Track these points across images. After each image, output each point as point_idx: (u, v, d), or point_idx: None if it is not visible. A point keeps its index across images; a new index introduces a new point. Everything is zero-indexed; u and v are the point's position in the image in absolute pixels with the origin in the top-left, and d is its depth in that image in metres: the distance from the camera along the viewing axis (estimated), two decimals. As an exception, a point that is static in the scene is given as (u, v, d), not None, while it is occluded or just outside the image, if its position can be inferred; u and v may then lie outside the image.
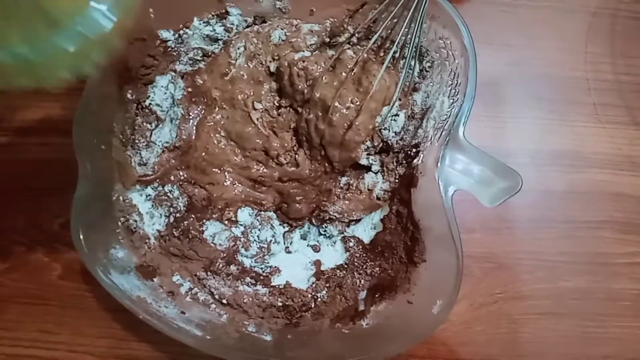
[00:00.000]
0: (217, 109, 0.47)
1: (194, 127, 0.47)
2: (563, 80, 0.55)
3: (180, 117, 0.47)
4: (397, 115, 0.46)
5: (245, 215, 0.48)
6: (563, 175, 0.53)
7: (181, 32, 0.45)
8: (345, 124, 0.44)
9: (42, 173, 0.49)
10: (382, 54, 0.46)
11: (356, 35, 0.45)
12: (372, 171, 0.47)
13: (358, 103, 0.44)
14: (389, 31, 0.44)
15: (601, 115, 0.54)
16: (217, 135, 0.47)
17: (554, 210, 0.52)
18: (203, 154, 0.47)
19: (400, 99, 0.45)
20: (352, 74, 0.44)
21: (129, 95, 0.44)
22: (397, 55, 0.45)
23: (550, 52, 0.55)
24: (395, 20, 0.43)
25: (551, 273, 0.50)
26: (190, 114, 0.47)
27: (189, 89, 0.47)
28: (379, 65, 0.44)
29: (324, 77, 0.44)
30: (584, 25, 0.56)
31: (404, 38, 0.43)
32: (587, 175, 0.53)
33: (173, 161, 0.46)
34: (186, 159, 0.46)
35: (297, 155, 0.47)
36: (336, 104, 0.43)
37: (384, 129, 0.46)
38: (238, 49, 0.46)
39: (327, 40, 0.46)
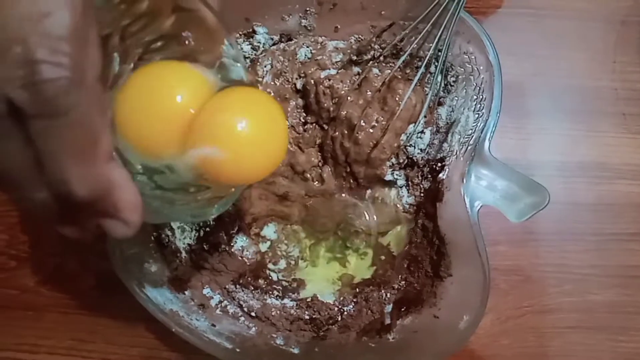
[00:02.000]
0: None
1: None
2: (590, 90, 0.54)
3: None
4: (422, 132, 0.46)
5: (271, 230, 0.49)
6: (591, 187, 0.52)
7: None
8: (371, 143, 0.44)
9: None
10: (407, 71, 0.46)
11: (383, 53, 0.46)
12: (397, 185, 0.48)
13: (384, 122, 0.44)
14: (415, 48, 0.45)
15: (631, 126, 0.53)
16: None
17: (581, 222, 0.51)
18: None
19: (425, 116, 0.46)
20: (378, 93, 0.44)
21: None
22: (423, 72, 0.45)
23: (577, 62, 0.55)
24: (420, 37, 0.43)
25: (579, 286, 0.50)
26: None
27: None
28: (404, 83, 0.44)
29: (349, 96, 0.45)
30: (612, 34, 0.55)
31: (432, 54, 0.43)
32: (616, 187, 0.52)
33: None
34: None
35: (322, 172, 0.47)
36: (362, 122, 0.44)
37: (410, 146, 0.46)
38: (265, 66, 0.47)
39: (354, 58, 0.47)
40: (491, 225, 0.49)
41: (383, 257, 0.47)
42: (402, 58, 0.43)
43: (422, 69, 0.42)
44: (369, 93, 0.44)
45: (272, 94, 0.47)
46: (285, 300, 0.45)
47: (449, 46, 0.42)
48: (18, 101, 0.18)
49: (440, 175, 0.43)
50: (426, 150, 0.46)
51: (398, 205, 0.48)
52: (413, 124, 0.45)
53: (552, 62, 0.54)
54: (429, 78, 0.45)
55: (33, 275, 0.49)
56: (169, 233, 0.44)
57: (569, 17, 0.55)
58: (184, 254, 0.44)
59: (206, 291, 0.44)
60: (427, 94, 0.44)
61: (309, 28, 0.47)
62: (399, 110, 0.43)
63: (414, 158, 0.46)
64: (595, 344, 0.48)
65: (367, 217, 0.48)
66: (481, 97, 0.41)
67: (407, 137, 0.45)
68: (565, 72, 0.54)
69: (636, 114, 0.53)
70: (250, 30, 0.46)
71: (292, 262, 0.47)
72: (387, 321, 0.43)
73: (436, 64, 0.43)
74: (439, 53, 0.42)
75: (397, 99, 0.44)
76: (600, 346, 0.48)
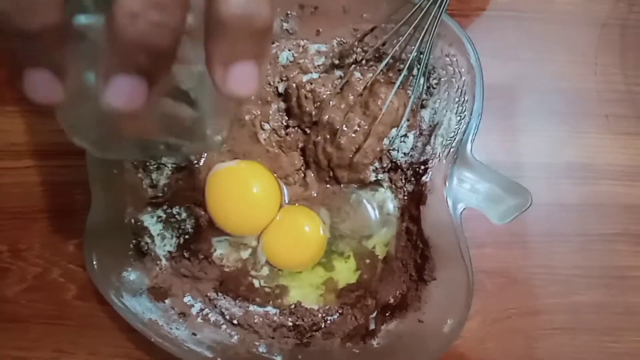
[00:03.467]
0: None
1: None
2: (574, 92, 0.54)
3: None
4: (405, 136, 0.46)
5: (252, 236, 0.48)
6: (576, 188, 0.52)
7: None
8: (353, 147, 0.44)
9: (58, 195, 0.50)
10: (390, 75, 0.46)
11: (365, 57, 0.46)
12: (381, 188, 0.47)
13: (366, 126, 0.44)
14: (398, 51, 0.45)
15: (613, 127, 0.53)
16: (222, 155, 0.47)
17: (567, 223, 0.51)
18: (208, 174, 0.47)
19: (408, 120, 0.45)
20: (360, 97, 0.44)
21: None
22: (405, 75, 0.45)
23: (560, 64, 0.55)
24: (402, 40, 0.43)
25: (566, 287, 0.50)
26: None
27: None
28: (386, 87, 0.44)
29: (331, 101, 0.45)
30: (593, 36, 0.55)
31: (414, 56, 0.43)
32: (601, 187, 0.52)
33: (181, 182, 0.47)
34: (192, 180, 0.47)
35: (305, 176, 0.47)
36: (344, 127, 0.44)
37: (393, 150, 0.46)
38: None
39: (336, 62, 0.47)
40: (477, 228, 0.49)
41: (368, 261, 0.47)
42: (385, 61, 0.43)
43: (404, 72, 0.42)
44: (351, 97, 0.44)
45: (253, 97, 0.47)
46: (268, 308, 0.45)
47: (431, 49, 0.42)
48: None
49: (424, 178, 0.43)
50: (409, 154, 0.46)
51: (382, 209, 0.47)
52: (396, 128, 0.45)
53: (536, 64, 0.54)
54: (411, 81, 0.45)
55: (13, 285, 0.48)
56: (149, 240, 0.43)
57: (551, 20, 0.55)
58: (164, 262, 0.44)
59: (187, 299, 0.43)
60: (409, 97, 0.44)
61: (290, 32, 0.47)
62: (382, 114, 0.43)
63: (398, 162, 0.46)
64: (583, 345, 0.49)
65: (352, 221, 0.48)
66: (463, 99, 0.41)
67: (390, 141, 0.45)
68: (549, 75, 0.54)
69: (618, 115, 0.54)
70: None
71: (275, 268, 0.47)
72: (372, 326, 0.43)
73: (418, 66, 0.43)
74: (421, 56, 0.42)
75: (379, 103, 0.44)
76: (587, 347, 0.48)
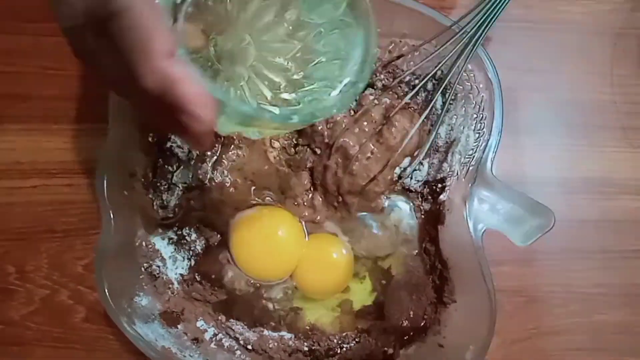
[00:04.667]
0: (233, 147, 0.47)
1: (210, 167, 0.46)
2: (590, 104, 0.53)
3: (196, 157, 0.47)
4: (421, 164, 0.45)
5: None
6: (595, 203, 0.51)
7: None
8: (365, 174, 0.43)
9: (65, 215, 0.49)
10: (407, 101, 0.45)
11: (389, 85, 0.45)
12: (397, 207, 0.46)
13: (379, 154, 0.43)
14: (419, 81, 0.44)
15: (632, 140, 0.52)
16: (232, 174, 0.46)
17: (586, 240, 0.50)
18: (218, 194, 0.46)
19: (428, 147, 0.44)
20: (374, 124, 0.43)
21: (150, 139, 0.44)
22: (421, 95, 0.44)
23: (576, 75, 0.54)
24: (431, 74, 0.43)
25: (586, 306, 0.48)
26: (206, 153, 0.46)
27: None
28: (401, 114, 0.43)
29: (345, 124, 0.44)
30: (609, 47, 0.54)
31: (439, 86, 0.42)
32: (621, 203, 0.51)
33: (192, 202, 0.46)
34: (202, 200, 0.46)
35: (313, 199, 0.46)
36: (357, 153, 0.43)
37: (407, 178, 0.45)
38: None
39: None
40: (494, 245, 0.47)
41: (384, 282, 0.46)
42: (408, 97, 0.42)
43: (428, 109, 0.41)
44: (366, 123, 0.43)
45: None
46: (283, 332, 0.44)
47: (459, 76, 0.41)
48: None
49: (441, 196, 0.42)
50: (424, 180, 0.45)
51: (398, 228, 0.46)
52: (409, 157, 0.44)
53: (552, 75, 0.53)
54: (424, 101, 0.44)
55: (20, 308, 0.47)
56: (160, 263, 0.43)
57: (566, 30, 0.54)
58: (176, 285, 0.43)
59: (200, 324, 0.42)
60: (428, 130, 0.43)
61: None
62: (402, 147, 0.42)
63: (411, 188, 0.45)
64: (605, 367, 0.47)
65: (366, 241, 0.46)
66: (481, 115, 0.40)
67: (402, 171, 0.44)
68: (565, 86, 0.53)
69: (637, 128, 0.53)
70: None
71: (289, 291, 0.45)
72: (390, 351, 0.42)
73: (441, 90, 0.42)
74: (446, 79, 0.41)
75: (393, 130, 0.43)
76: (610, 369, 0.47)
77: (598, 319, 0.48)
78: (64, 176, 0.49)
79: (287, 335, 0.44)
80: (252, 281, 0.45)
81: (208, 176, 0.46)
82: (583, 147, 0.52)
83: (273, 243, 0.45)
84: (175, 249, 0.44)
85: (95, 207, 0.40)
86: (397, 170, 0.44)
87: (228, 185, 0.46)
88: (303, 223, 0.47)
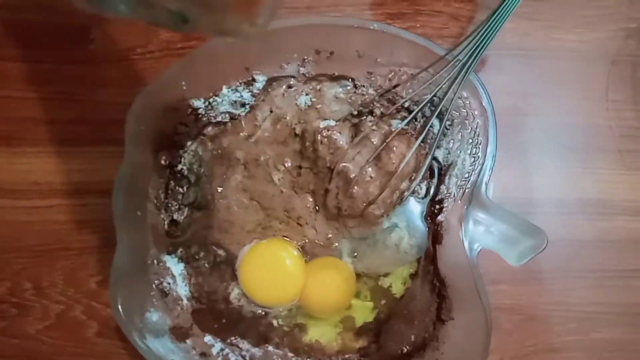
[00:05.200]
0: (240, 169, 0.49)
1: (218, 188, 0.48)
2: (586, 128, 0.54)
3: (204, 178, 0.48)
4: (419, 187, 0.47)
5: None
6: (591, 224, 0.52)
7: (211, 99, 0.47)
8: (365, 198, 0.45)
9: (80, 233, 0.51)
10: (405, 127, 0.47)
11: (386, 113, 0.47)
12: (397, 227, 0.48)
13: (377, 181, 0.45)
14: (416, 107, 0.46)
15: (628, 162, 0.54)
16: (238, 195, 0.48)
17: (583, 259, 0.51)
18: (225, 214, 0.48)
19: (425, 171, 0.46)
20: (373, 149, 0.45)
21: (163, 161, 0.46)
22: (419, 121, 0.46)
23: (571, 100, 0.55)
24: (427, 100, 0.45)
25: (584, 324, 0.49)
26: (214, 174, 0.48)
27: (214, 151, 0.49)
28: (399, 139, 0.45)
29: (347, 149, 0.46)
30: (603, 73, 0.56)
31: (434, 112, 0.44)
32: (617, 224, 0.52)
33: (199, 222, 0.48)
34: (210, 219, 0.48)
35: (315, 221, 0.48)
36: (357, 177, 0.45)
37: (406, 200, 0.47)
38: (264, 112, 0.48)
39: (354, 112, 0.48)
40: (492, 264, 0.48)
41: (384, 301, 0.47)
42: (403, 124, 0.44)
43: (424, 133, 0.43)
44: (365, 148, 0.45)
45: (270, 138, 0.48)
46: (286, 349, 0.45)
47: (452, 102, 0.43)
48: None
49: (439, 217, 0.44)
50: (424, 200, 0.47)
51: (399, 247, 0.48)
52: (407, 181, 0.46)
53: (547, 101, 0.55)
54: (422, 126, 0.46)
55: (35, 323, 0.49)
56: (171, 281, 0.44)
57: (561, 57, 0.56)
58: (185, 301, 0.45)
59: (207, 339, 0.44)
60: (425, 154, 0.45)
61: (307, 76, 0.48)
62: (399, 171, 0.44)
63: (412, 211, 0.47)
64: (602, 384, 0.48)
65: (368, 260, 0.48)
66: (477, 140, 0.42)
67: (401, 194, 0.46)
68: (560, 111, 0.55)
69: (632, 151, 0.54)
70: (250, 78, 0.47)
71: (294, 308, 0.47)
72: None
73: (434, 117, 0.44)
74: (442, 109, 0.44)
75: (391, 156, 0.45)
76: (607, 386, 0.48)
77: (595, 337, 0.49)
78: (80, 196, 0.51)
79: (290, 353, 0.45)
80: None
81: (216, 197, 0.48)
82: (579, 169, 0.53)
83: (277, 275, 0.47)
84: (185, 267, 0.46)
85: (109, 226, 0.41)
86: (396, 194, 0.46)
87: (233, 205, 0.48)
88: (306, 243, 0.48)
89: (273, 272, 0.46)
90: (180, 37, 0.54)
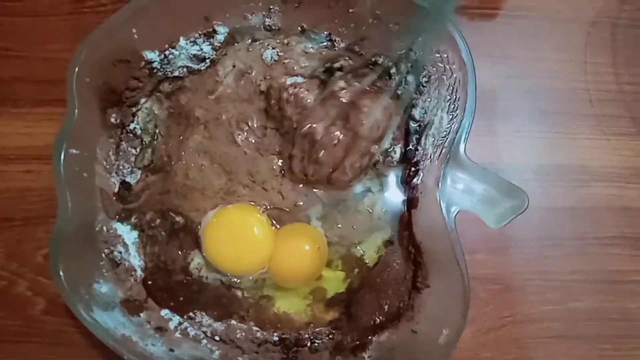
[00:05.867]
0: (199, 129, 0.45)
1: (175, 149, 0.45)
2: (565, 92, 0.53)
3: (160, 139, 0.45)
4: (392, 149, 0.44)
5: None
6: (569, 191, 0.50)
7: (167, 52, 0.43)
8: (332, 163, 0.42)
9: (24, 202, 0.47)
10: (377, 84, 0.44)
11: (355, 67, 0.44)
12: (370, 192, 0.45)
13: (346, 141, 0.42)
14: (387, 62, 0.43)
15: (605, 127, 0.52)
16: (198, 157, 0.45)
17: (561, 227, 0.50)
18: (184, 177, 0.44)
19: (394, 133, 0.43)
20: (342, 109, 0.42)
21: (113, 120, 0.42)
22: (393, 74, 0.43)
23: (551, 63, 0.53)
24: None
25: (561, 293, 0.48)
26: (171, 134, 0.45)
27: (171, 109, 0.45)
28: (370, 99, 0.42)
29: (313, 109, 0.42)
30: (583, 35, 0.54)
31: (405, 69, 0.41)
32: (595, 190, 0.51)
33: (155, 186, 0.44)
34: (167, 183, 0.44)
35: (281, 188, 0.45)
36: (323, 139, 0.41)
37: (378, 164, 0.44)
38: (226, 67, 0.44)
39: (321, 69, 0.45)
40: (468, 232, 0.46)
41: (357, 270, 0.44)
42: (369, 80, 0.41)
43: (393, 89, 0.40)
44: (334, 108, 0.42)
45: (233, 95, 0.45)
46: (252, 323, 0.42)
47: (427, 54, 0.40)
48: None
49: (415, 180, 0.41)
50: (397, 165, 0.44)
51: (372, 213, 0.45)
52: (378, 145, 0.43)
53: (526, 63, 0.53)
54: (400, 85, 0.43)
55: (-26, 301, 0.45)
56: (122, 249, 0.41)
57: (540, 18, 0.54)
58: (139, 272, 0.41)
59: (164, 312, 0.41)
60: (393, 115, 0.42)
61: (273, 27, 0.45)
62: (367, 132, 0.40)
63: (385, 173, 0.44)
64: (581, 354, 0.47)
65: (340, 228, 0.45)
66: (455, 97, 0.39)
67: (371, 157, 0.43)
68: (539, 74, 0.53)
69: (610, 115, 0.52)
70: (211, 29, 0.44)
71: (259, 279, 0.44)
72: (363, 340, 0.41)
73: (409, 69, 0.42)
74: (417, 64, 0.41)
75: (361, 116, 0.41)
76: (586, 356, 0.47)
77: (573, 306, 0.48)
78: (22, 162, 0.47)
79: (255, 327, 0.42)
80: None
81: (173, 159, 0.44)
82: (557, 134, 0.52)
83: (243, 241, 0.44)
84: (138, 235, 0.42)
85: (57, 196, 0.37)
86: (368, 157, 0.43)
87: (193, 168, 0.44)
88: (272, 209, 0.45)
89: (239, 238, 0.43)
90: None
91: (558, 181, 0.51)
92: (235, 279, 0.44)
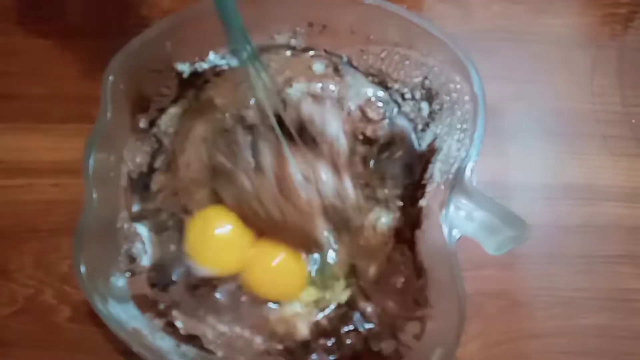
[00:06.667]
0: (212, 117, 0.45)
1: (179, 143, 0.46)
2: (571, 113, 0.54)
3: (171, 137, 0.46)
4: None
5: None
6: (577, 209, 0.51)
7: (197, 65, 0.45)
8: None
9: (51, 214, 0.48)
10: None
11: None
12: (375, 207, 0.47)
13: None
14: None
15: (612, 148, 0.53)
16: (200, 147, 0.45)
17: (568, 244, 0.50)
18: (186, 171, 0.45)
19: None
20: None
21: (141, 124, 0.44)
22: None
23: (557, 84, 0.55)
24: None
25: (568, 310, 0.49)
26: (182, 127, 0.46)
27: (190, 104, 0.46)
28: None
29: None
30: (589, 58, 0.55)
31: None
32: (602, 209, 0.51)
33: (167, 188, 0.46)
34: (174, 182, 0.45)
35: None
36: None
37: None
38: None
39: None
40: (476, 248, 0.47)
41: (358, 281, 0.45)
42: None
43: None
44: None
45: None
46: (255, 330, 0.44)
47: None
48: None
49: (421, 202, 0.42)
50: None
51: (375, 229, 0.46)
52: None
53: (533, 85, 0.54)
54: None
55: (2, 308, 0.46)
56: (140, 247, 0.43)
57: (547, 41, 0.55)
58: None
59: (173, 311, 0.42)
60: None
61: (297, 48, 0.46)
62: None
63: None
64: (588, 371, 0.47)
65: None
66: (464, 126, 0.41)
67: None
68: (546, 95, 0.54)
69: (616, 136, 0.53)
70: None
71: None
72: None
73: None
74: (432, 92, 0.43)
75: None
76: (593, 373, 0.47)
77: (580, 322, 0.49)
78: (50, 176, 0.49)
79: (258, 335, 0.43)
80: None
81: (177, 153, 0.46)
82: (564, 154, 0.53)
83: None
84: (155, 234, 0.44)
85: (81, 208, 0.39)
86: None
87: (195, 160, 0.45)
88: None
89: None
90: (159, 13, 0.52)
91: (565, 199, 0.52)
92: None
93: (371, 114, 0.46)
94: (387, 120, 0.47)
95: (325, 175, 0.40)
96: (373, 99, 0.47)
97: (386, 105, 0.47)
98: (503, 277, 0.49)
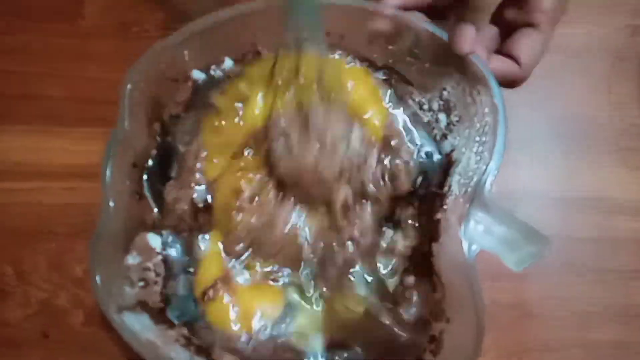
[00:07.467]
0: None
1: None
2: (588, 124, 0.53)
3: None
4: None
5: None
6: (591, 221, 0.51)
7: (212, 72, 0.45)
8: None
9: (66, 217, 0.49)
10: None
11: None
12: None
13: None
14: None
15: (628, 160, 0.53)
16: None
17: (582, 257, 0.50)
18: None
19: None
20: None
21: (157, 131, 0.44)
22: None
23: (574, 95, 0.54)
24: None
25: (583, 322, 0.49)
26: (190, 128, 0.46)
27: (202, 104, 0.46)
28: None
29: None
30: (608, 68, 0.55)
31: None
32: (617, 223, 0.51)
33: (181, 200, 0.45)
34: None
35: None
36: None
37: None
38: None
39: None
40: (492, 259, 0.47)
41: (376, 294, 0.45)
42: None
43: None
44: None
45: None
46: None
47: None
48: None
49: (438, 215, 0.42)
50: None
51: (393, 243, 0.46)
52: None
53: (550, 93, 0.54)
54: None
55: (16, 310, 0.47)
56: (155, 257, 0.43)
57: (564, 52, 0.54)
58: (161, 282, 0.43)
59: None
60: None
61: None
62: None
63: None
64: (600, 384, 0.47)
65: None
66: (484, 139, 0.40)
67: None
68: (563, 105, 0.54)
69: (633, 149, 0.53)
70: (255, 52, 0.46)
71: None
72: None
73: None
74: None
75: None
76: (604, 386, 0.47)
77: (594, 336, 0.48)
78: (65, 179, 0.49)
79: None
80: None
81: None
82: (579, 164, 0.52)
83: None
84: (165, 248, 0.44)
85: (98, 212, 0.39)
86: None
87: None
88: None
89: None
90: (178, 16, 0.52)
91: (579, 211, 0.51)
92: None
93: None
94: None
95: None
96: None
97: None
98: (517, 288, 0.49)
